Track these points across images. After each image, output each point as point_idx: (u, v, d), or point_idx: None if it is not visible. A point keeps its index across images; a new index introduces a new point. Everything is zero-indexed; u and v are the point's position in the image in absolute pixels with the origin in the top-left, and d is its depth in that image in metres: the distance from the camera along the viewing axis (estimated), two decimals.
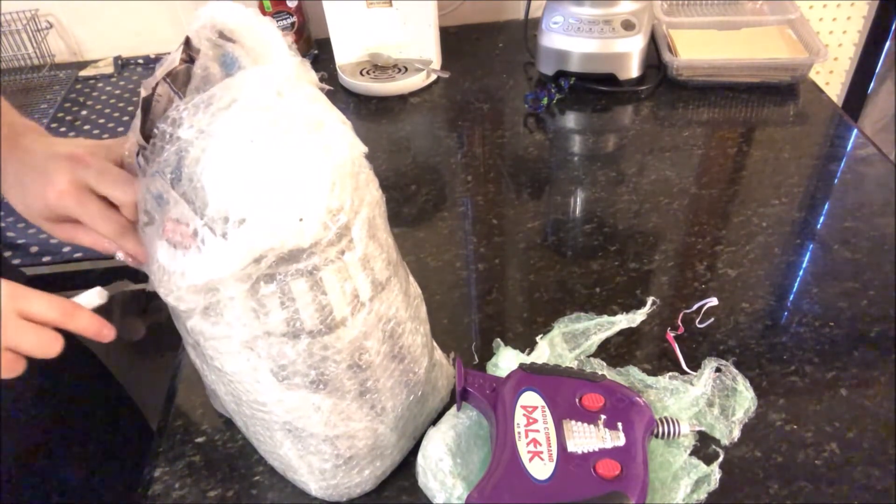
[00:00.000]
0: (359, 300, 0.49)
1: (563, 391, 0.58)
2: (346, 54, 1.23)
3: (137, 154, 0.48)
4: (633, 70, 1.11)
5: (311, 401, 0.51)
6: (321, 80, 0.49)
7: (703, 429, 0.63)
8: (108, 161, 0.52)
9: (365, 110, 1.16)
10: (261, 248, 0.43)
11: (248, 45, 0.46)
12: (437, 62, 1.22)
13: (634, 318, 0.73)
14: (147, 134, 0.47)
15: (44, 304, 0.47)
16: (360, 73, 1.20)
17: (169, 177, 0.45)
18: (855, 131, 1.01)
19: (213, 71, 0.46)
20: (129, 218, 0.51)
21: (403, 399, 0.57)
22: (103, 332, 0.50)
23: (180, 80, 0.47)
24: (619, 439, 0.55)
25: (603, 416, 0.56)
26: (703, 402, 0.65)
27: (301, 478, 0.58)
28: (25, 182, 0.54)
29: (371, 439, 0.56)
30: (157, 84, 0.47)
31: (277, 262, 0.44)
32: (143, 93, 0.47)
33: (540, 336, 0.72)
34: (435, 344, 0.64)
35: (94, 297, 0.52)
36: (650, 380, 0.67)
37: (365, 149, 0.49)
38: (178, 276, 0.45)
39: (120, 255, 0.54)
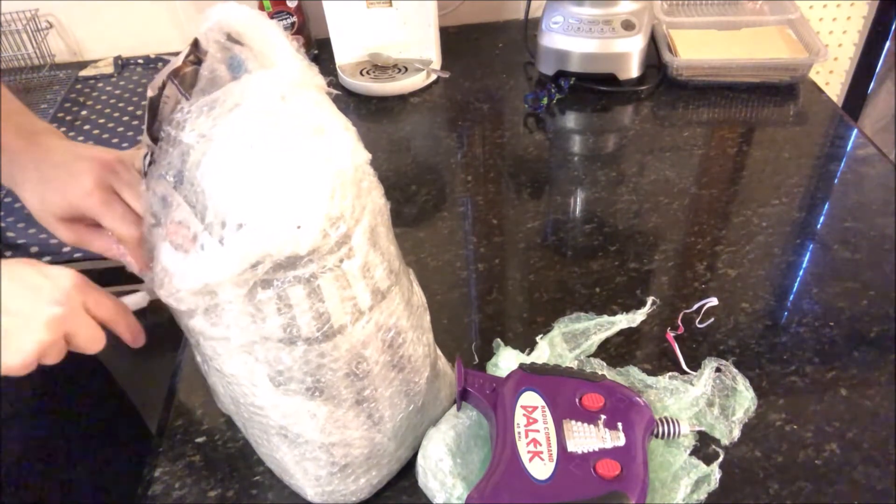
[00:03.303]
0: (358, 309, 0.49)
1: (563, 391, 0.58)
2: (346, 54, 1.23)
3: (146, 156, 0.48)
4: (633, 70, 1.11)
5: (306, 407, 0.51)
6: (329, 84, 0.49)
7: (703, 429, 0.63)
8: (133, 171, 0.53)
9: (365, 110, 1.16)
10: (257, 254, 0.43)
11: (255, 48, 0.46)
12: (437, 62, 1.22)
13: (634, 318, 0.73)
14: (154, 135, 0.47)
15: (102, 301, 0.48)
16: (360, 73, 1.20)
17: (172, 179, 0.45)
18: (855, 131, 1.01)
19: (221, 73, 0.46)
20: None
21: (403, 409, 0.57)
22: (139, 339, 0.51)
23: (188, 82, 0.47)
24: (619, 439, 0.55)
25: (603, 416, 0.56)
26: (703, 402, 0.65)
27: (297, 482, 0.58)
28: (48, 180, 0.54)
29: (367, 448, 0.56)
30: (164, 85, 0.47)
31: (274, 269, 0.44)
32: (150, 93, 0.47)
33: (540, 336, 0.72)
34: (440, 353, 0.64)
35: (140, 299, 0.52)
36: (650, 380, 0.67)
37: (368, 156, 0.48)
38: (178, 278, 0.45)
39: (129, 263, 0.54)
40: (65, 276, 0.47)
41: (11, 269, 0.45)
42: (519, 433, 0.55)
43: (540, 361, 0.67)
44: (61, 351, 0.47)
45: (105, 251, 0.55)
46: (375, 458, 0.57)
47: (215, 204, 0.43)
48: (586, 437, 0.55)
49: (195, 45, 0.47)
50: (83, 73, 1.36)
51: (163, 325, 0.55)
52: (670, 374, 0.68)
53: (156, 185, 0.47)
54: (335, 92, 0.49)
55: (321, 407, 0.51)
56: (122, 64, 1.38)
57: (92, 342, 0.48)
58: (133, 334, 0.51)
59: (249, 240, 0.42)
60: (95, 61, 1.39)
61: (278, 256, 0.43)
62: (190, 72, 0.47)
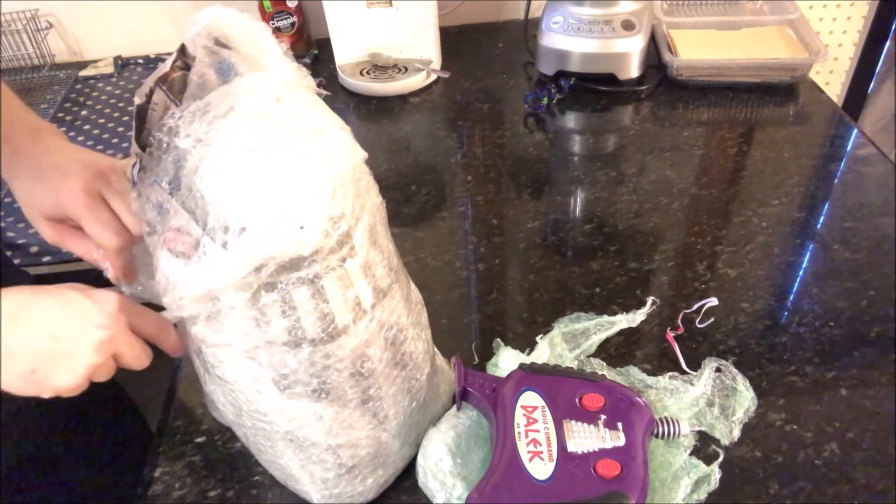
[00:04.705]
0: (360, 307, 0.49)
1: (563, 391, 0.58)
2: (346, 54, 1.23)
3: (134, 165, 0.48)
4: (633, 70, 1.11)
5: (312, 410, 0.51)
6: (319, 85, 0.49)
7: (703, 429, 0.63)
8: (126, 181, 0.53)
9: (365, 110, 1.16)
10: (261, 256, 0.43)
11: (244, 51, 0.45)
12: (437, 62, 1.22)
13: (634, 318, 0.73)
14: (143, 142, 0.47)
15: (146, 318, 0.50)
16: (360, 73, 1.20)
17: (167, 186, 0.44)
18: (855, 131, 1.01)
19: (210, 78, 0.45)
20: (135, 240, 0.53)
21: (406, 406, 0.57)
22: (180, 350, 0.52)
23: (176, 88, 0.47)
24: (619, 439, 0.55)
25: (603, 416, 0.56)
26: (703, 402, 0.65)
27: (303, 487, 0.58)
28: (41, 177, 0.55)
29: (373, 447, 0.56)
30: (151, 91, 0.47)
31: (278, 271, 0.44)
32: (137, 101, 0.47)
33: (540, 336, 0.72)
34: (436, 350, 0.64)
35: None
36: (650, 380, 0.67)
37: (365, 155, 0.49)
38: (180, 286, 0.45)
39: (107, 269, 0.54)
40: (110, 300, 0.48)
41: (60, 294, 0.46)
42: (519, 433, 0.55)
43: (540, 361, 0.67)
44: (111, 370, 0.49)
45: (83, 255, 0.56)
46: (381, 457, 0.57)
47: (216, 209, 0.42)
48: (586, 437, 0.55)
49: (182, 50, 0.47)
50: (83, 73, 1.36)
51: None
52: (670, 374, 0.68)
53: (149, 192, 0.46)
54: (325, 93, 0.49)
55: (327, 408, 0.51)
56: (122, 64, 1.38)
57: (138, 359, 0.50)
58: (174, 346, 0.52)
59: (253, 243, 0.42)
60: (95, 61, 1.39)
61: (282, 258, 0.43)
62: (178, 77, 0.47)
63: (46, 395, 0.47)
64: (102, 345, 0.46)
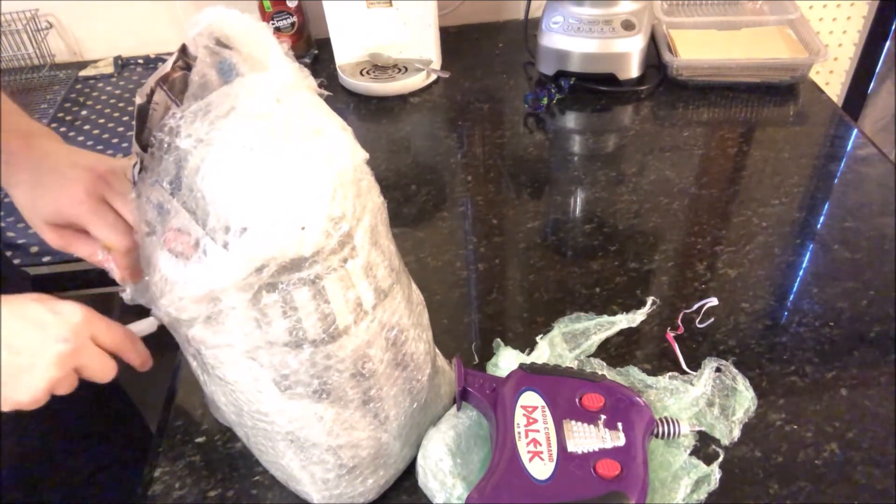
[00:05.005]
0: (362, 308, 0.49)
1: (563, 391, 0.58)
2: (346, 54, 1.23)
3: (135, 165, 0.48)
4: (633, 70, 1.11)
5: (313, 410, 0.51)
6: (320, 86, 0.49)
7: (703, 429, 0.63)
8: (125, 181, 0.53)
9: (365, 110, 1.16)
10: (262, 257, 0.43)
11: (245, 51, 0.45)
12: (437, 62, 1.22)
13: (634, 318, 0.73)
14: (144, 142, 0.47)
15: (111, 331, 0.49)
16: (361, 73, 1.20)
17: (168, 186, 0.44)
18: (855, 131, 1.01)
19: (211, 78, 0.45)
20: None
21: (407, 407, 0.57)
22: (147, 364, 0.53)
23: (177, 88, 0.47)
24: (619, 439, 0.55)
25: (603, 416, 0.56)
26: (703, 402, 0.65)
27: (304, 488, 0.58)
28: (41, 184, 0.54)
29: (374, 448, 0.56)
30: (152, 92, 0.46)
31: (279, 271, 0.44)
32: (138, 100, 0.47)
33: (540, 336, 0.72)
34: (438, 351, 0.64)
35: (148, 325, 0.53)
36: (650, 380, 0.67)
37: (366, 155, 0.49)
38: (180, 286, 0.45)
39: (112, 269, 0.54)
40: (73, 311, 0.47)
41: (18, 305, 0.46)
42: (519, 433, 0.55)
43: (540, 361, 0.67)
44: (73, 383, 0.48)
45: (89, 257, 0.55)
46: (382, 458, 0.57)
47: (217, 209, 0.42)
48: (586, 437, 0.55)
49: (183, 50, 0.47)
50: (83, 73, 1.36)
51: (162, 325, 0.55)
52: (670, 374, 0.68)
53: (150, 192, 0.46)
54: (326, 93, 0.49)
55: (328, 409, 0.51)
56: (122, 64, 1.38)
57: (102, 373, 0.49)
58: (142, 360, 0.52)
59: (254, 243, 0.42)
60: (95, 61, 1.39)
61: (283, 259, 0.43)
62: (179, 77, 0.47)
63: (6, 408, 0.46)
64: (63, 358, 0.46)
